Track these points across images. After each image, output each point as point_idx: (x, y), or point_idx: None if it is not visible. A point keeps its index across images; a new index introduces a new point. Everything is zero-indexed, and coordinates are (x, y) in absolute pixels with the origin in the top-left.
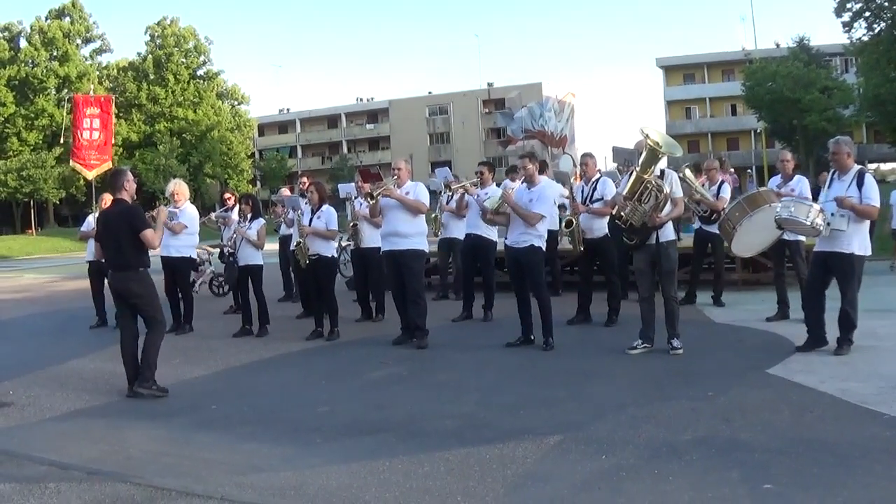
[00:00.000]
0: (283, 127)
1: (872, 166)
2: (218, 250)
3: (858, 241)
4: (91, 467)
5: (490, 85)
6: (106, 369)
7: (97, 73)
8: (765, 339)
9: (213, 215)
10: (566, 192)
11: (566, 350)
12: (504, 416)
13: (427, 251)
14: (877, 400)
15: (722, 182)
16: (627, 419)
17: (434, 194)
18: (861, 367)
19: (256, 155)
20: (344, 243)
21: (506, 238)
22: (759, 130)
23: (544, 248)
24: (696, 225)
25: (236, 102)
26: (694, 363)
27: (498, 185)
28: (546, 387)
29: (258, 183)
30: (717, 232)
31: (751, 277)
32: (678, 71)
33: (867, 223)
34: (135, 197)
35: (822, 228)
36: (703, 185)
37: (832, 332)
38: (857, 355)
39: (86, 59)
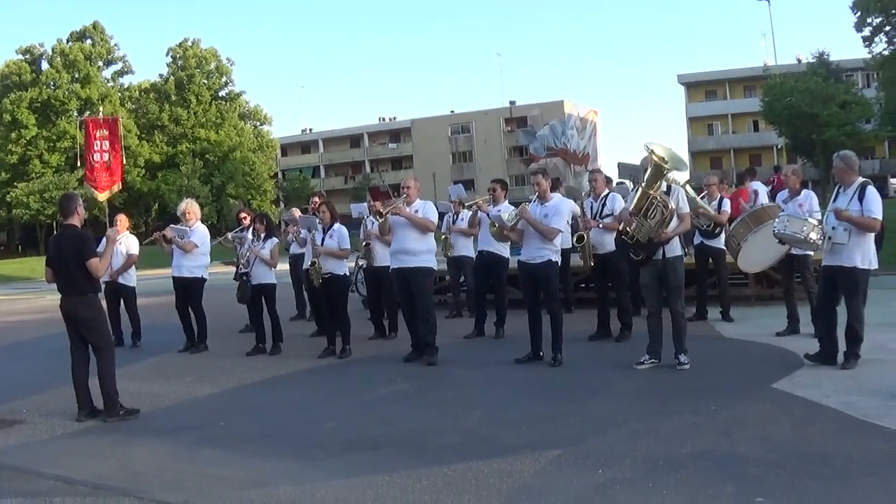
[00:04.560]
0: (306, 147)
1: (895, 181)
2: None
3: (861, 255)
4: (97, 482)
5: (512, 103)
6: (119, 388)
7: (119, 94)
8: (772, 353)
9: (229, 235)
10: (577, 210)
11: (574, 365)
12: (506, 431)
13: (436, 269)
14: (879, 413)
15: (721, 197)
16: (628, 434)
17: (441, 215)
18: (867, 381)
19: (279, 175)
20: (360, 262)
21: (519, 254)
22: (780, 146)
23: (559, 263)
24: (698, 240)
25: (259, 123)
26: (700, 378)
27: (513, 203)
28: (551, 402)
29: (281, 203)
30: (719, 247)
31: (764, 293)
32: (700, 87)
33: (871, 236)
34: (84, 222)
35: (819, 242)
36: (702, 200)
37: (843, 348)
38: (863, 369)
39: (107, 81)
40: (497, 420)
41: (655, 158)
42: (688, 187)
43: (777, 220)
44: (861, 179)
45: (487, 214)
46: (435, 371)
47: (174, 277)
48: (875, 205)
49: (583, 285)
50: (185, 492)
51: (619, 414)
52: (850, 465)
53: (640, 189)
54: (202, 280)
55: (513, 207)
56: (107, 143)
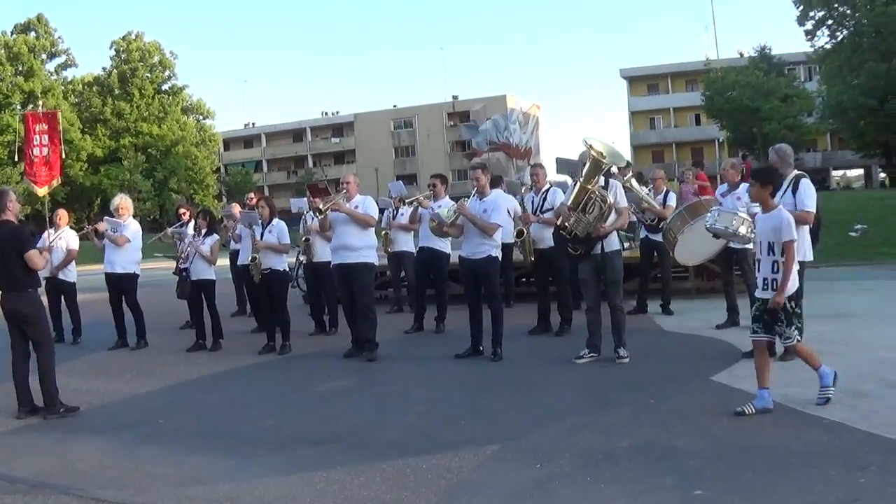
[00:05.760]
0: (249, 141)
1: (838, 173)
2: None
3: None
4: (36, 480)
5: (455, 98)
6: (59, 385)
7: (62, 88)
8: (712, 346)
9: (168, 230)
10: (519, 210)
11: (514, 360)
12: (445, 426)
13: (376, 264)
14: (818, 405)
15: (667, 191)
16: (567, 428)
17: (381, 211)
18: (805, 373)
19: (222, 170)
20: (300, 258)
21: (460, 250)
22: (721, 140)
23: (500, 258)
24: (643, 234)
25: (201, 117)
26: (639, 371)
27: (454, 198)
28: (490, 397)
29: (224, 198)
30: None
31: (704, 286)
32: (642, 81)
33: (805, 229)
34: (20, 216)
35: (749, 236)
36: (648, 194)
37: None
38: (802, 361)
39: (51, 74)
40: (436, 415)
41: (594, 153)
42: (633, 181)
43: (709, 213)
44: (796, 172)
45: (430, 210)
46: (375, 367)
47: (107, 274)
48: (808, 197)
49: (523, 280)
50: (125, 489)
51: (559, 408)
52: (790, 457)
53: (579, 184)
54: (135, 276)
55: (453, 203)
56: (46, 137)
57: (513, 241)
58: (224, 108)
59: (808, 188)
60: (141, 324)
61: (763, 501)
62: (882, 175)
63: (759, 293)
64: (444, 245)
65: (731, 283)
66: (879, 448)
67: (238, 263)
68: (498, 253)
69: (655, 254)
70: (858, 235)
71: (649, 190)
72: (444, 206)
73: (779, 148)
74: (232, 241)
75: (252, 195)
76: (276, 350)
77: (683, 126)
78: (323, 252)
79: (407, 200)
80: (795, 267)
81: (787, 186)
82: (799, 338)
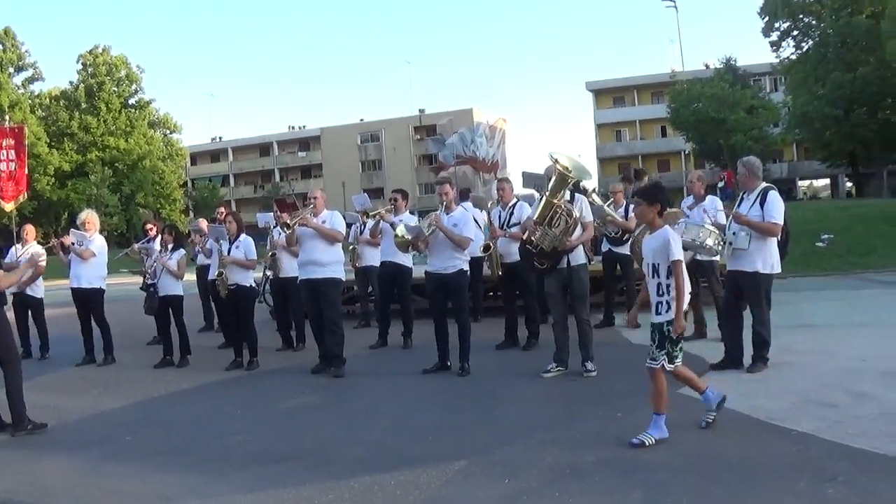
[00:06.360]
0: (216, 155)
1: (805, 183)
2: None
3: (762, 260)
4: (4, 497)
5: (421, 111)
6: (27, 401)
7: (29, 101)
8: None
9: (135, 246)
10: (485, 218)
11: (481, 375)
12: (413, 442)
13: (344, 280)
14: (786, 416)
15: (627, 204)
16: (535, 442)
17: (348, 225)
18: (773, 384)
19: (189, 184)
20: (267, 273)
21: (427, 264)
22: (687, 151)
23: (469, 272)
24: (606, 247)
25: (168, 131)
26: (607, 385)
27: (415, 213)
28: (458, 412)
29: (191, 212)
30: (627, 253)
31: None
32: (608, 94)
33: (772, 241)
34: None
35: (716, 248)
36: (609, 207)
37: (750, 352)
38: (770, 372)
39: (18, 88)
40: (404, 431)
41: (559, 168)
42: (594, 196)
43: (675, 226)
44: (763, 185)
45: (391, 224)
46: (342, 383)
47: (73, 289)
48: (776, 210)
49: (490, 294)
50: None
51: (526, 423)
52: (757, 469)
53: (545, 198)
54: (101, 291)
55: (414, 217)
56: (13, 152)
57: (481, 254)
58: (191, 122)
59: (775, 200)
60: (108, 339)
61: None
62: (848, 184)
63: (652, 318)
64: (406, 259)
65: (697, 295)
66: (847, 458)
67: (207, 279)
68: (467, 267)
69: (618, 266)
70: (825, 245)
71: (609, 203)
72: (406, 220)
73: (747, 161)
74: (201, 256)
75: (222, 209)
76: (243, 366)
77: (650, 138)
78: (290, 267)
79: (370, 213)
80: (687, 288)
81: (756, 199)
82: (668, 365)
